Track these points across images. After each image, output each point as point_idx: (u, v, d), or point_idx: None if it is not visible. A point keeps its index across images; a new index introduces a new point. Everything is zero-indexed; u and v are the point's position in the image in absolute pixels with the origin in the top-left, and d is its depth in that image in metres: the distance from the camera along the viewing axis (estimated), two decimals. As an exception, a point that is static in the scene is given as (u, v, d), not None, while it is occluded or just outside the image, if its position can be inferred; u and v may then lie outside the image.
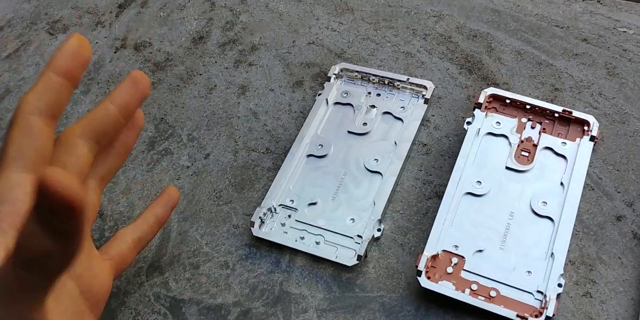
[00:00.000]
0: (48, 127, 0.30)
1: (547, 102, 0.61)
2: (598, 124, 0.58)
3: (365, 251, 0.54)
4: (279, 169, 0.60)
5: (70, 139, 0.32)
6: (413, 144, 0.62)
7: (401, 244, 0.55)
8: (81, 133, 0.33)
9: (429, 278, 0.51)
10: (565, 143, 0.58)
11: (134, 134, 0.42)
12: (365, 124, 0.63)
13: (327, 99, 0.64)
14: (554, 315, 0.48)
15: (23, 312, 0.28)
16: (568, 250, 0.52)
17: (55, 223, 0.22)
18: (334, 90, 0.65)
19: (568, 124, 0.59)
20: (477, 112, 0.60)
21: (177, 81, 0.70)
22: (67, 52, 0.30)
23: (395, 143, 0.61)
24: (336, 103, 0.65)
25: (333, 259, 0.54)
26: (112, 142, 0.39)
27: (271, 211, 0.58)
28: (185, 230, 0.59)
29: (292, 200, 0.59)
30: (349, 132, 0.63)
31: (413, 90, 0.64)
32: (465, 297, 0.50)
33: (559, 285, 0.50)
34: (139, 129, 0.42)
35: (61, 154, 0.32)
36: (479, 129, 0.59)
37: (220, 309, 0.54)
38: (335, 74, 0.66)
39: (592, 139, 0.57)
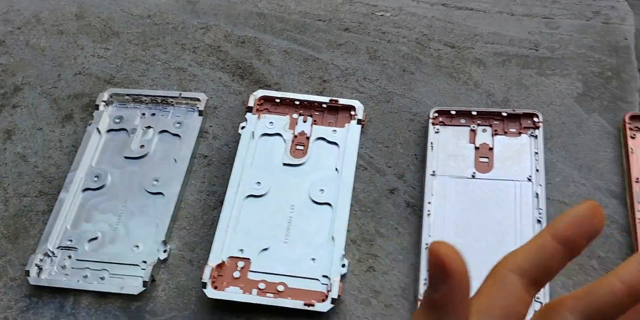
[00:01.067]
0: (525, 290, 0.25)
1: (317, 94, 0.63)
2: (363, 107, 0.60)
3: (152, 276, 0.52)
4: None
5: (559, 312, 0.26)
6: (193, 157, 0.60)
7: (190, 260, 0.54)
8: (573, 307, 0.27)
9: (216, 288, 0.50)
10: (335, 130, 0.59)
11: None
12: (142, 146, 0.61)
13: (98, 128, 0.62)
14: (339, 296, 0.48)
15: None
16: (348, 231, 0.53)
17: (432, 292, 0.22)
18: (104, 117, 0.63)
19: (336, 112, 0.61)
20: (249, 115, 0.60)
21: None
22: (573, 217, 0.25)
23: (175, 160, 0.59)
24: (110, 130, 0.62)
25: (119, 290, 0.51)
26: None
27: (48, 255, 0.54)
28: (-40, 295, 0.53)
29: (71, 240, 0.55)
30: (126, 157, 0.60)
31: (187, 104, 0.63)
32: (252, 297, 0.49)
33: (343, 265, 0.50)
34: None
35: None
36: (253, 131, 0.59)
37: (2, 372, 0.49)
38: (104, 101, 0.63)
39: (359, 122, 0.59)
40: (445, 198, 0.54)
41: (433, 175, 0.55)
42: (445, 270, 0.22)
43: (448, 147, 0.58)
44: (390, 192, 0.56)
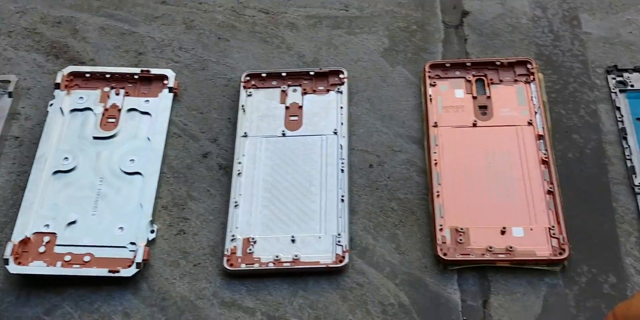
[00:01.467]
0: None
1: (133, 67, 0.62)
2: (175, 75, 0.60)
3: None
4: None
5: None
6: (4, 139, 0.59)
7: (-2, 242, 0.52)
8: None
9: (19, 264, 0.49)
10: (148, 100, 0.59)
11: None
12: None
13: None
14: (145, 260, 0.49)
15: None
16: (160, 198, 0.54)
17: None
18: None
19: (150, 82, 0.61)
20: (57, 92, 0.59)
21: None
22: None
23: (-15, 144, 0.57)
24: None
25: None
26: None
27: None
28: None
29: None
30: None
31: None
32: (57, 270, 0.49)
33: (152, 231, 0.51)
34: None
35: None
36: (61, 108, 0.58)
37: None
38: None
39: (171, 90, 0.59)
40: (255, 157, 0.55)
41: (245, 136, 0.57)
42: None
43: (260, 108, 0.59)
44: (203, 157, 0.57)
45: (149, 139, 0.57)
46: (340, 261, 0.48)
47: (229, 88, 0.62)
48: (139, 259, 0.48)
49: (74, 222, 0.52)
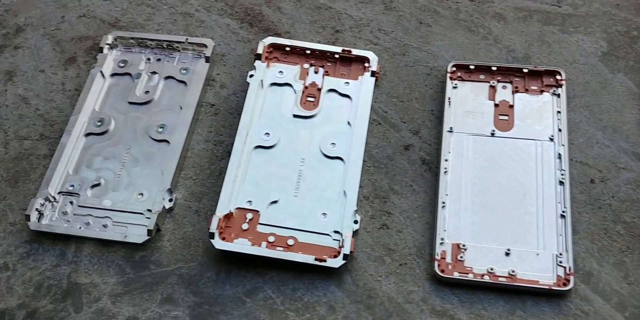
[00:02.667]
0: None
1: (329, 45, 0.60)
2: (377, 59, 0.57)
3: (157, 225, 0.50)
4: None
5: None
6: (200, 106, 0.58)
7: (196, 211, 0.52)
8: None
9: (224, 239, 0.48)
10: (348, 83, 0.57)
11: None
12: (147, 92, 0.58)
13: (101, 72, 0.59)
14: (351, 252, 0.47)
15: None
16: (361, 187, 0.52)
17: None
18: (109, 61, 0.60)
19: (350, 63, 0.58)
20: (257, 63, 0.57)
21: None
22: None
23: (181, 107, 0.57)
24: (114, 74, 0.60)
25: (122, 239, 0.50)
26: None
27: (49, 201, 0.52)
28: (-42, 239, 0.52)
29: (73, 186, 0.53)
30: (130, 102, 0.58)
31: (194, 50, 0.60)
32: (262, 250, 0.48)
33: (355, 222, 0.49)
34: None
35: None
36: (262, 80, 0.57)
37: (3, 315, 0.48)
38: (108, 44, 0.60)
39: (373, 74, 0.57)
40: (462, 156, 0.52)
41: (450, 131, 0.54)
42: None
43: (466, 103, 0.56)
44: (405, 149, 0.54)
45: (349, 123, 0.55)
46: (564, 284, 0.45)
47: (432, 77, 0.59)
48: (346, 250, 0.47)
49: (276, 202, 0.51)
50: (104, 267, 0.49)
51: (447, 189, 0.51)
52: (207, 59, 0.59)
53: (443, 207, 0.50)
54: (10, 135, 0.57)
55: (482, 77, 0.57)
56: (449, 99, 0.55)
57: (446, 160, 0.52)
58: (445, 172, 0.51)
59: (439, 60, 0.59)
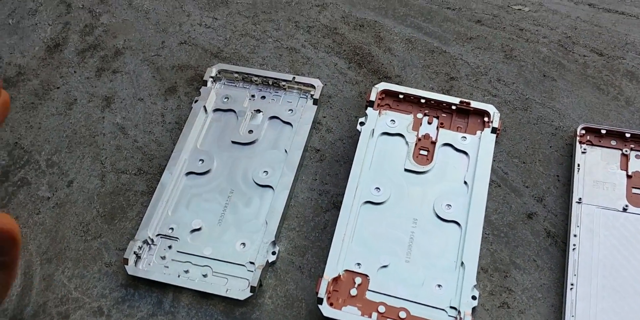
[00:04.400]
0: None
1: (443, 93, 0.57)
2: (499, 114, 0.53)
3: (260, 280, 0.47)
4: (154, 192, 0.52)
5: None
6: (305, 150, 0.55)
7: (299, 267, 0.49)
8: None
9: (331, 305, 0.45)
10: (465, 137, 0.53)
11: None
12: (251, 131, 0.56)
13: (204, 106, 0.57)
14: (469, 333, 0.43)
15: None
16: (479, 257, 0.48)
17: None
18: (212, 95, 0.58)
19: (467, 116, 0.55)
20: (369, 110, 0.54)
21: (32, 98, 0.60)
22: None
23: (286, 151, 0.54)
24: (216, 110, 0.58)
25: (223, 293, 0.47)
26: None
27: (147, 243, 0.50)
28: (50, 274, 0.50)
29: (172, 228, 0.51)
30: (233, 142, 0.55)
31: (300, 89, 0.58)
32: (371, 323, 0.44)
33: (473, 297, 0.45)
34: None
35: None
36: (373, 129, 0.54)
37: (94, 366, 0.45)
38: (212, 77, 0.58)
39: (494, 130, 0.53)
40: (592, 232, 0.48)
41: (579, 203, 0.49)
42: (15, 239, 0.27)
43: (596, 171, 0.51)
44: (528, 217, 0.50)
45: (465, 183, 0.51)
46: None
47: (557, 138, 0.54)
48: (465, 331, 0.43)
49: (386, 266, 0.47)
50: (201, 322, 0.47)
51: (576, 269, 0.46)
52: (315, 101, 0.57)
53: (571, 289, 0.45)
54: (108, 167, 0.55)
55: (613, 143, 0.52)
56: (579, 165, 0.51)
57: (575, 235, 0.48)
58: (574, 249, 0.47)
59: (565, 120, 0.55)
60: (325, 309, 0.45)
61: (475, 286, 0.45)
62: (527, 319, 0.46)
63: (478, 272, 0.47)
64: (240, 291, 0.47)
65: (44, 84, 0.61)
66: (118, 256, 0.50)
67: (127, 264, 0.48)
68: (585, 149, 0.52)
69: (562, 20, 0.62)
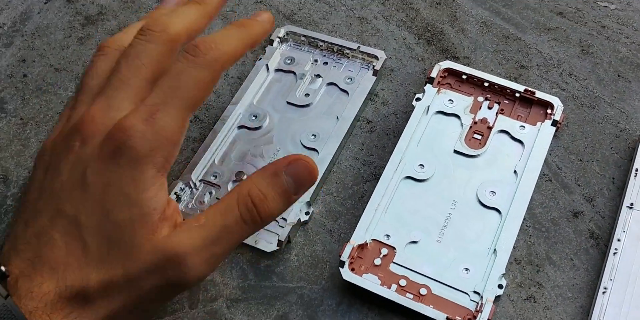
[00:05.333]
0: None
1: (510, 80, 0.55)
2: (563, 108, 0.51)
3: (288, 236, 0.48)
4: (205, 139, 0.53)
5: None
6: (356, 119, 0.55)
7: (330, 230, 0.49)
8: None
9: (352, 270, 0.45)
10: (524, 127, 0.52)
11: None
12: (307, 95, 0.56)
13: (267, 65, 0.58)
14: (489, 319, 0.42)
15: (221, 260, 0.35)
16: (514, 248, 0.47)
17: (293, 192, 0.37)
18: (276, 55, 0.58)
19: (530, 105, 0.53)
20: (428, 87, 0.53)
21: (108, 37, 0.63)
22: None
23: (338, 118, 0.54)
24: (278, 70, 0.58)
25: (252, 244, 0.48)
26: None
27: (190, 186, 0.51)
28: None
29: (215, 176, 0.52)
30: (289, 103, 0.56)
31: (364, 60, 0.57)
32: (390, 293, 0.44)
33: (500, 286, 0.44)
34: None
35: None
36: (429, 106, 0.53)
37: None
38: (279, 37, 0.59)
39: (555, 123, 0.51)
40: (639, 239, 0.46)
41: (630, 208, 0.47)
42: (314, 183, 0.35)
43: (655, 178, 0.49)
44: (574, 215, 0.48)
45: (515, 172, 0.50)
46: None
47: (620, 140, 0.52)
48: (484, 317, 0.42)
49: (415, 242, 0.47)
50: (227, 268, 0.48)
51: (613, 274, 0.44)
52: (375, 72, 0.56)
53: (604, 293, 0.44)
54: (166, 111, 0.57)
55: (680, 152, 0.49)
56: (637, 170, 0.48)
57: (619, 240, 0.46)
58: (615, 253, 0.45)
59: (632, 123, 0.52)
60: (345, 272, 0.45)
61: (503, 275, 0.44)
62: (552, 316, 0.44)
63: (510, 263, 0.46)
64: (268, 244, 0.48)
65: (122, 26, 0.63)
66: (160, 195, 0.52)
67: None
68: (648, 155, 0.49)
69: (652, 21, 0.58)
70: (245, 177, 0.52)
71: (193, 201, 0.51)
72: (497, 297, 0.44)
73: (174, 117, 0.34)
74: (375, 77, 0.56)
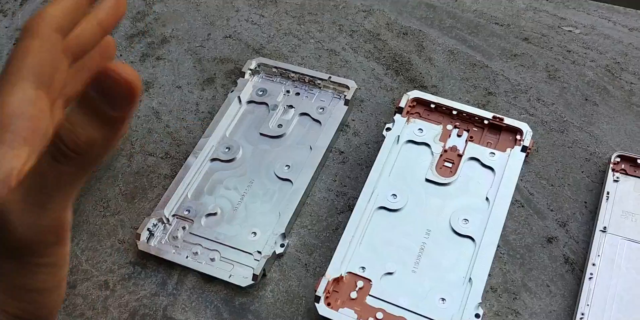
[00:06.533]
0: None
1: (478, 107, 0.55)
2: (532, 133, 0.52)
3: (263, 270, 0.47)
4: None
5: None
6: (329, 150, 0.55)
7: (305, 264, 0.49)
8: (66, 48, 0.31)
9: (329, 304, 0.45)
10: (494, 153, 0.52)
11: (105, 62, 0.36)
12: (280, 125, 0.56)
13: (239, 97, 0.58)
14: (465, 353, 0.42)
15: (55, 211, 0.27)
16: (490, 275, 0.46)
17: (108, 110, 0.24)
18: (248, 87, 0.59)
19: (499, 132, 0.53)
20: (397, 117, 0.54)
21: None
22: None
23: (311, 148, 0.54)
24: (250, 102, 0.58)
25: (226, 278, 0.47)
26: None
27: (163, 222, 0.51)
28: (66, 244, 0.51)
29: (188, 210, 0.52)
30: (262, 134, 0.56)
31: (335, 89, 0.58)
32: (367, 328, 0.43)
33: (477, 315, 0.44)
34: (111, 59, 0.37)
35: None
36: (399, 136, 0.53)
37: (92, 337, 0.46)
38: (250, 69, 0.59)
39: (524, 149, 0.51)
40: (613, 262, 0.46)
41: (603, 231, 0.47)
42: (135, 93, 0.23)
43: (626, 202, 0.49)
44: (548, 241, 0.48)
45: (487, 199, 0.50)
46: None
47: (590, 164, 0.52)
48: (461, 348, 0.42)
49: (391, 274, 0.47)
50: (201, 307, 0.47)
51: (590, 299, 0.44)
52: (347, 102, 0.57)
53: (581, 319, 0.43)
54: (137, 148, 0.57)
55: (649, 174, 0.50)
56: (608, 193, 0.49)
57: (594, 264, 0.46)
58: (591, 278, 0.45)
59: (602, 146, 0.53)
60: (321, 307, 0.44)
61: (480, 304, 0.44)
62: (530, 345, 0.44)
63: (487, 291, 0.46)
64: (242, 278, 0.47)
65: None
66: (132, 234, 0.51)
67: (139, 240, 0.49)
68: (618, 178, 0.50)
69: (613, 46, 0.60)
70: (218, 211, 0.51)
71: (166, 237, 0.50)
72: (475, 328, 0.43)
73: None
74: (346, 107, 0.56)
